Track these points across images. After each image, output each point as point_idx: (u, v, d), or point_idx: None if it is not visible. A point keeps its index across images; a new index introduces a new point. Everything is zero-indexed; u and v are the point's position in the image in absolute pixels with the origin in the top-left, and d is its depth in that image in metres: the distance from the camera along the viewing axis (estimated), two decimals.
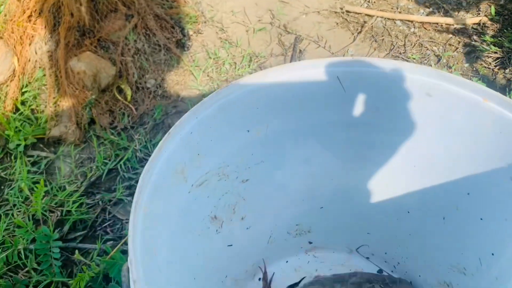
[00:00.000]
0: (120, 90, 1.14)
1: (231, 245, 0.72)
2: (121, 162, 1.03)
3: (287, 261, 0.84)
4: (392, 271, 0.79)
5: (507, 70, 1.21)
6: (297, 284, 0.78)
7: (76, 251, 0.87)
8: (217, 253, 0.70)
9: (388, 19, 1.35)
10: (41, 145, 1.07)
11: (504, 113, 0.52)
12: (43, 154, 1.05)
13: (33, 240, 0.89)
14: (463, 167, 0.59)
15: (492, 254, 0.59)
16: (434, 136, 0.60)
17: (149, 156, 0.72)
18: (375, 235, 0.77)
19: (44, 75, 1.12)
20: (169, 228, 0.55)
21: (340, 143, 0.67)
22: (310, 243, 0.83)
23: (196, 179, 0.58)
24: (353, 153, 0.68)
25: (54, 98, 1.08)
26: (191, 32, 1.29)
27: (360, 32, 1.32)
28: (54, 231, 0.90)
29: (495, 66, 1.23)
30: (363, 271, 0.78)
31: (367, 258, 0.82)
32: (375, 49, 1.28)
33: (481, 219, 0.59)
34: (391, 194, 0.71)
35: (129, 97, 1.12)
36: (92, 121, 1.10)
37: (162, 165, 0.51)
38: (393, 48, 1.28)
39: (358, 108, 0.62)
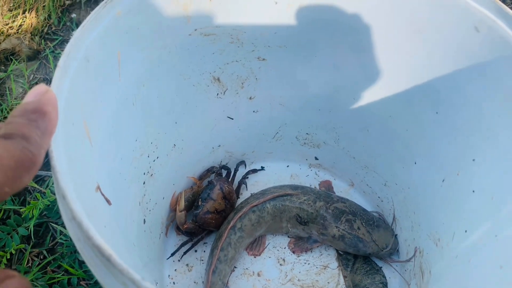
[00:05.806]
0: None
1: (232, 118, 0.72)
2: None
3: (288, 166, 0.83)
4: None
5: None
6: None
7: None
8: (213, 120, 0.71)
9: None
10: None
11: None
12: None
13: None
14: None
15: (465, 231, 0.51)
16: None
17: None
18: (389, 185, 0.72)
19: None
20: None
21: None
22: (316, 159, 0.80)
23: (203, 24, 0.56)
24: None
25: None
26: None
27: None
28: None
29: None
30: (354, 202, 0.73)
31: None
32: None
33: (473, 191, 0.51)
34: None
35: None
36: (48, 36, 0.97)
37: None
38: None
39: None
